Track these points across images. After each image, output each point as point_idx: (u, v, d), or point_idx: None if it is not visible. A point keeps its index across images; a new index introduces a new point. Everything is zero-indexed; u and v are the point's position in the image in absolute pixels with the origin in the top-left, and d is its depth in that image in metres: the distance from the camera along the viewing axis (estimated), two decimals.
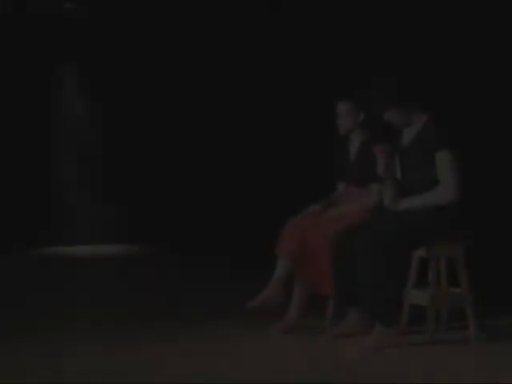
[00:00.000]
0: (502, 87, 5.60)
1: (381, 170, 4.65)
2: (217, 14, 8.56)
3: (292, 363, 4.45)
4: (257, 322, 5.05)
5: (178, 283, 7.08)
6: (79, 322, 5.43)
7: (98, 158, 10.20)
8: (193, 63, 9.27)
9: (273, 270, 4.94)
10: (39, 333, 4.98)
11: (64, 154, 10.17)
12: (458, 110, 5.54)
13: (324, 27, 6.82)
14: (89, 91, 10.14)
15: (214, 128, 9.02)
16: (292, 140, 7.31)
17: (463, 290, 4.68)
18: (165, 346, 4.58)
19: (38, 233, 9.83)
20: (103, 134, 10.12)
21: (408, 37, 5.91)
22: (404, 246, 4.53)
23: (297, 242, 4.87)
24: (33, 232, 9.79)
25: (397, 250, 4.47)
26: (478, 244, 4.72)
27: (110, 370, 4.11)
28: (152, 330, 5.03)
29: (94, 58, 9.97)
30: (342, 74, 6.41)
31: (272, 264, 4.98)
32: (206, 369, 4.10)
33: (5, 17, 9.30)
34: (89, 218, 10.22)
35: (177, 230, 9.57)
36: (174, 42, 9.46)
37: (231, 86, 8.53)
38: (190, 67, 9.34)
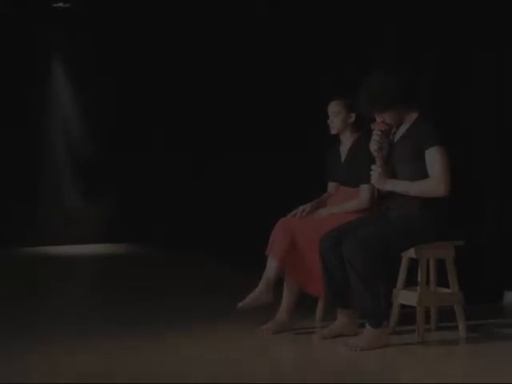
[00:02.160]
0: (492, 83, 5.61)
1: (373, 147, 4.62)
2: (213, 8, 8.53)
3: (281, 364, 4.46)
4: (246, 322, 5.04)
5: (169, 283, 7.07)
6: (75, 321, 5.43)
7: (92, 158, 10.17)
8: (190, 61, 9.23)
9: (263, 270, 4.94)
10: (39, 334, 4.97)
11: (57, 154, 10.13)
12: (445, 107, 5.55)
13: (321, 27, 6.80)
14: (83, 91, 10.12)
15: (207, 127, 8.99)
16: (283, 140, 7.30)
17: (452, 290, 4.69)
18: (160, 348, 4.57)
19: (32, 232, 9.81)
20: (96, 133, 10.10)
21: (404, 36, 5.91)
22: (393, 246, 4.54)
23: (286, 243, 4.87)
24: (26, 231, 9.77)
25: (386, 251, 4.48)
26: (466, 243, 4.74)
27: (109, 369, 4.12)
28: (151, 330, 5.01)
29: (89, 55, 9.96)
30: (335, 73, 6.40)
31: (262, 264, 4.98)
32: (197, 367, 4.12)
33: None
34: (82, 217, 10.19)
35: (170, 229, 9.56)
36: (169, 34, 9.42)
37: (226, 86, 8.51)
38: (186, 67, 9.30)
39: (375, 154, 4.62)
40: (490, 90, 5.61)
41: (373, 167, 4.64)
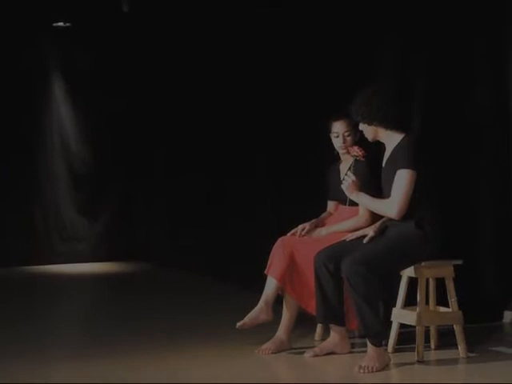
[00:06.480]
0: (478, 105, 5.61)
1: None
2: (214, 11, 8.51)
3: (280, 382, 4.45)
4: (245, 341, 5.02)
5: (167, 301, 7.05)
6: (78, 338, 5.43)
7: (92, 174, 10.19)
8: (188, 67, 9.21)
9: (262, 288, 4.92)
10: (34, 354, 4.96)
11: (55, 170, 10.15)
12: (436, 129, 5.55)
13: (319, 43, 6.78)
14: (82, 110, 10.14)
15: (207, 141, 8.90)
16: (283, 159, 7.28)
17: (452, 309, 4.68)
18: (156, 361, 4.57)
19: (31, 250, 9.80)
20: (95, 149, 10.11)
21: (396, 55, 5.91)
22: (392, 265, 4.54)
23: (285, 261, 4.86)
24: (25, 249, 9.76)
25: (385, 270, 4.47)
26: (465, 262, 4.74)
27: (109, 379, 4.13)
28: (149, 348, 5.00)
29: (88, 74, 10.00)
30: (331, 95, 6.37)
31: (262, 282, 4.96)
32: None
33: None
34: (81, 235, 10.20)
35: (169, 246, 9.54)
36: (170, 52, 9.42)
37: (224, 100, 8.46)
38: (188, 75, 9.27)
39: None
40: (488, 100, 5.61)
41: (348, 174, 4.71)
